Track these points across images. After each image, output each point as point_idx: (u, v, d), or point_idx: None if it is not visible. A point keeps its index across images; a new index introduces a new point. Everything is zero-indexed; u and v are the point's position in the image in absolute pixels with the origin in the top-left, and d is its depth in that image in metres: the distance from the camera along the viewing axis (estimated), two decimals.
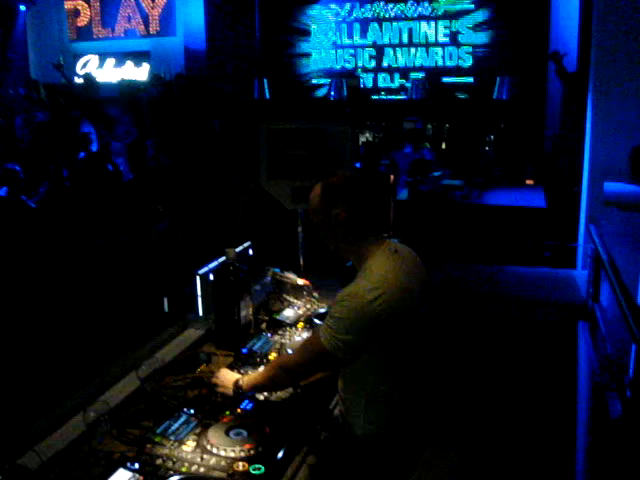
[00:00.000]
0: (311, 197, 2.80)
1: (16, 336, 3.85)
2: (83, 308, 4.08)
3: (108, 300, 4.07)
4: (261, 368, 3.08)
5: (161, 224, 5.75)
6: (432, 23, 13.71)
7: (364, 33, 14.28)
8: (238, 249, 3.93)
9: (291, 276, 3.98)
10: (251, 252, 4.14)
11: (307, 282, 3.95)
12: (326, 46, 14.48)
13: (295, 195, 4.15)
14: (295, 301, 3.90)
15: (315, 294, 3.93)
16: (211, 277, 3.63)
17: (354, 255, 2.76)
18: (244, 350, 3.30)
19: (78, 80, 14.70)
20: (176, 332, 3.66)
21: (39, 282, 4.66)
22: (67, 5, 15.74)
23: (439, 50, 13.71)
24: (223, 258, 3.62)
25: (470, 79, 13.45)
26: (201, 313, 3.72)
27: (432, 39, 13.77)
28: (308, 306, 3.85)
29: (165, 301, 3.75)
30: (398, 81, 14.12)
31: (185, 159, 9.51)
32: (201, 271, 3.65)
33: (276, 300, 3.96)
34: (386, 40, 14.12)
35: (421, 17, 13.77)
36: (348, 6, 14.22)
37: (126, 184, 8.32)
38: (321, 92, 14.47)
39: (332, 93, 13.55)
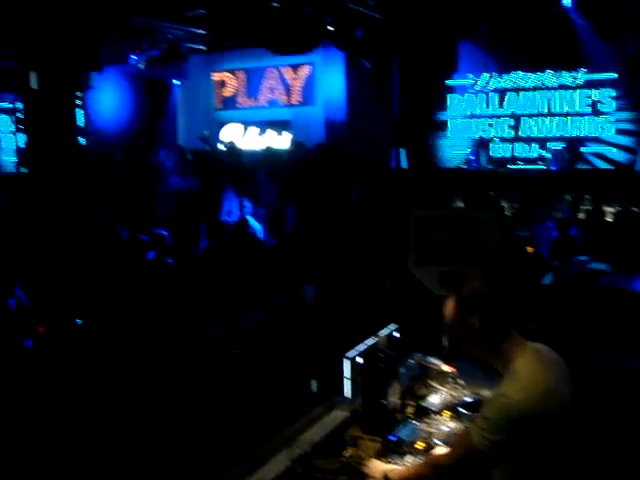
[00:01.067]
0: (446, 308, 2.87)
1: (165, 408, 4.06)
2: (233, 383, 4.26)
3: (259, 376, 4.23)
4: (408, 458, 3.13)
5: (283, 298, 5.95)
6: (572, 93, 13.58)
7: (502, 103, 14.31)
8: (384, 331, 4.03)
9: (437, 362, 4.02)
10: (397, 334, 4.21)
11: (453, 369, 3.98)
12: (463, 116, 14.59)
13: (442, 280, 4.21)
14: (440, 387, 3.94)
15: (460, 381, 3.95)
16: (359, 360, 3.72)
17: (496, 360, 2.79)
18: (392, 437, 3.35)
19: (221, 147, 15.40)
20: (323, 413, 3.76)
21: (185, 349, 4.90)
22: (215, 77, 16.64)
23: (579, 120, 13.54)
24: (371, 341, 3.71)
25: (612, 149, 13.18)
26: (348, 395, 3.80)
27: (572, 109, 13.62)
28: (453, 393, 3.88)
29: (314, 383, 3.86)
30: (536, 151, 14.00)
31: (324, 229, 9.73)
32: (350, 354, 3.74)
33: (421, 385, 4.00)
34: (524, 110, 14.09)
35: (561, 87, 13.68)
36: (486, 76, 14.31)
37: (268, 251, 8.59)
38: (457, 161, 14.54)
39: (470, 164, 13.61)
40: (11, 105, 15.86)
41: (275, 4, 9.90)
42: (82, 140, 9.33)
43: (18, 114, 15.60)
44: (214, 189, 11.47)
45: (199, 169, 12.72)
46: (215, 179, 12.02)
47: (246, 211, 10.91)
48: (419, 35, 13.00)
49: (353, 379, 3.77)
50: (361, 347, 3.85)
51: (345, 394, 3.79)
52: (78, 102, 8.83)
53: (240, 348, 4.54)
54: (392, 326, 4.21)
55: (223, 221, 10.78)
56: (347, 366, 3.77)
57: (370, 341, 3.85)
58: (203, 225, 9.88)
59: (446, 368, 4.00)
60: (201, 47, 14.57)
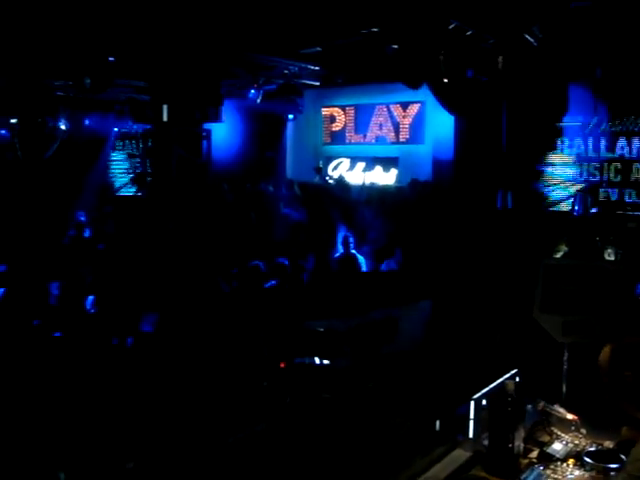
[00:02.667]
0: (600, 359, 2.94)
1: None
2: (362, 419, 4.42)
3: (382, 413, 4.38)
4: None
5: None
6: None
7: (611, 147, 14.10)
8: (508, 376, 4.12)
9: (561, 410, 4.08)
10: (517, 379, 4.29)
11: (575, 417, 4.03)
12: (571, 158, 14.45)
13: (565, 329, 4.29)
14: (562, 434, 3.99)
15: (582, 430, 4.00)
16: (484, 402, 3.83)
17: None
18: None
19: (329, 181, 15.73)
20: (445, 452, 3.87)
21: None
22: (325, 112, 17.00)
23: None
24: (496, 385, 3.81)
25: None
26: (471, 435, 3.90)
27: None
28: (576, 442, 3.92)
29: (438, 422, 3.98)
30: None
31: (432, 270, 9.83)
32: (476, 396, 3.86)
33: (542, 431, 4.06)
34: (634, 155, 13.85)
35: None
36: (596, 119, 14.15)
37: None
38: (564, 205, 14.39)
39: (576, 207, 13.47)
40: (128, 132, 16.68)
41: (393, 46, 10.09)
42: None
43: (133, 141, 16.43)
44: (323, 221, 11.75)
45: (307, 201, 13.05)
46: (324, 212, 12.30)
47: (350, 246, 11.13)
48: (531, 77, 13.01)
49: (477, 420, 3.88)
50: (486, 390, 3.96)
51: (469, 435, 3.89)
52: (204, 134, 9.26)
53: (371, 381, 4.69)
54: (513, 371, 4.30)
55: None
56: (472, 407, 3.88)
57: (495, 385, 3.95)
58: (311, 256, 10.18)
59: (570, 417, 4.05)
60: (315, 83, 14.98)
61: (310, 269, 10.03)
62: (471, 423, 3.88)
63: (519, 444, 3.66)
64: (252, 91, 13.39)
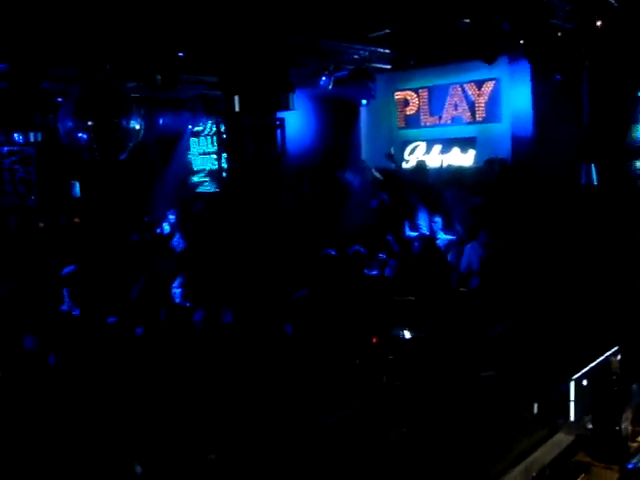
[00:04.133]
0: None
1: None
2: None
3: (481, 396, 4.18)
4: None
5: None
6: None
7: None
8: (610, 354, 3.86)
9: None
10: (619, 357, 4.02)
11: None
12: None
13: None
14: None
15: None
16: (585, 382, 3.59)
17: None
18: (630, 466, 3.19)
19: (406, 166, 15.47)
20: (546, 436, 3.65)
21: None
22: (397, 96, 16.71)
23: None
24: (599, 363, 3.56)
25: None
26: (572, 418, 3.66)
27: None
28: None
29: (535, 406, 3.75)
30: None
31: (516, 246, 9.54)
32: (576, 376, 3.61)
33: None
34: None
35: None
36: None
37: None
38: None
39: None
40: (201, 128, 16.74)
41: (465, 19, 9.76)
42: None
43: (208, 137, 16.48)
44: (403, 206, 11.55)
45: (387, 187, 12.86)
46: (403, 197, 12.10)
47: (436, 227, 10.91)
48: (612, 45, 12.47)
49: (578, 402, 3.64)
50: (587, 369, 3.71)
51: (570, 417, 3.65)
52: (277, 123, 9.15)
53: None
54: (614, 348, 4.03)
55: (409, 236, 10.88)
56: (572, 388, 3.63)
57: (596, 363, 3.70)
58: (390, 237, 10.00)
59: None
60: (386, 66, 14.72)
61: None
62: (572, 405, 3.64)
63: (626, 426, 3.41)
64: (323, 78, 13.21)
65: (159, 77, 8.97)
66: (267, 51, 8.80)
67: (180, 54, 9.17)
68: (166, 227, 13.36)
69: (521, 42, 10.51)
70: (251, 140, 8.23)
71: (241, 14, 9.24)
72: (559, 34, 11.26)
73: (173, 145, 16.92)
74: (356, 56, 13.57)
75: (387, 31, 12.61)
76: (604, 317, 5.38)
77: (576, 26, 11.67)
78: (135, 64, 9.42)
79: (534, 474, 3.11)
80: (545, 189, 12.86)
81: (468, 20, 9.95)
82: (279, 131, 9.40)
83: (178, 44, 9.06)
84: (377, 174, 14.34)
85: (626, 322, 4.85)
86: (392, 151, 14.68)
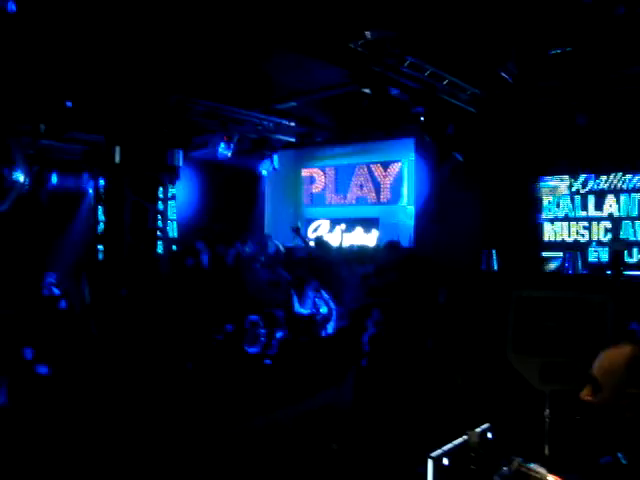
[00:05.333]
0: (611, 359, 2.27)
1: None
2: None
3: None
4: None
5: None
6: None
7: (599, 205, 13.61)
8: (476, 431, 3.43)
9: (540, 470, 3.36)
10: (490, 435, 3.59)
11: (559, 479, 3.32)
12: (558, 218, 13.95)
13: (544, 373, 3.61)
14: None
15: None
16: (445, 462, 3.14)
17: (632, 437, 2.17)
18: None
19: (310, 243, 15.19)
20: None
21: None
22: (304, 173, 16.57)
23: None
24: (460, 440, 3.13)
25: None
26: None
27: None
28: None
29: None
30: (637, 256, 13.16)
31: (407, 328, 9.25)
32: (435, 454, 3.16)
33: None
34: (623, 213, 13.35)
35: None
36: (582, 178, 13.71)
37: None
38: (551, 265, 13.81)
39: (566, 266, 12.90)
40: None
41: (366, 90, 9.64)
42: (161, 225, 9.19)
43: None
44: (300, 282, 11.23)
45: (286, 262, 12.55)
46: (302, 273, 11.78)
47: (319, 302, 10.60)
48: (513, 131, 12.63)
49: None
50: (448, 447, 3.26)
51: None
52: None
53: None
54: (485, 426, 3.61)
55: (298, 312, 10.54)
56: (430, 467, 3.17)
57: (459, 440, 3.25)
58: (280, 313, 9.64)
59: (551, 478, 3.33)
60: (291, 139, 14.54)
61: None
62: None
63: None
64: (222, 144, 12.88)
65: (43, 126, 8.48)
66: (157, 106, 8.42)
67: (67, 104, 8.69)
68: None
69: (422, 119, 10.44)
70: (130, 195, 7.79)
71: (141, 68, 8.90)
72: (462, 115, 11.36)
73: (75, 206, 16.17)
74: (260, 127, 13.35)
75: (292, 104, 12.46)
76: (479, 390, 5.03)
77: (479, 110, 11.81)
78: (19, 113, 8.91)
79: None
80: (445, 274, 12.74)
81: (369, 92, 9.79)
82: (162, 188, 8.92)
83: (64, 93, 8.59)
84: (280, 246, 14.00)
85: (500, 397, 4.49)
86: (299, 224, 14.38)
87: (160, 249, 9.73)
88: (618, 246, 12.59)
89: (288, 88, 11.57)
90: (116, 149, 7.99)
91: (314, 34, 8.55)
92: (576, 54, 9.45)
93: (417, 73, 9.75)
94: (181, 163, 9.56)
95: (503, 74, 8.40)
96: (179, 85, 9.63)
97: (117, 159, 8.01)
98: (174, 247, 15.87)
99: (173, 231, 17.65)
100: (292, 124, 13.39)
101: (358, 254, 13.56)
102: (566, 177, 13.84)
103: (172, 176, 9.53)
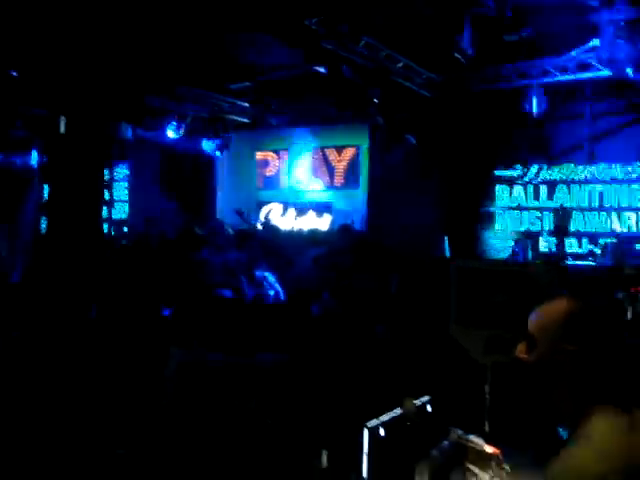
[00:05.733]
0: (547, 315, 2.20)
1: None
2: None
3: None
4: None
5: None
6: (625, 186, 12.95)
7: (551, 195, 13.71)
8: (415, 402, 3.35)
9: (478, 441, 3.31)
10: (430, 408, 3.53)
11: (497, 450, 3.27)
12: (511, 207, 14.02)
13: (488, 346, 3.55)
14: (480, 472, 3.22)
15: (506, 466, 3.23)
16: (382, 432, 3.05)
17: (570, 409, 2.10)
18: None
19: (260, 227, 15.05)
20: None
21: None
22: (258, 156, 16.39)
23: (633, 215, 12.85)
24: (399, 411, 3.05)
25: None
26: (365, 474, 3.10)
27: (625, 203, 12.96)
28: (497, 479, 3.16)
29: (324, 455, 3.17)
30: (587, 247, 13.28)
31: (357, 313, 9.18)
32: (371, 424, 3.07)
33: (457, 470, 3.28)
34: (574, 203, 13.46)
35: (613, 180, 13.07)
36: (535, 168, 13.79)
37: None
38: (503, 254, 13.89)
39: (515, 252, 12.98)
40: None
41: (321, 69, 9.52)
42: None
43: None
44: (249, 264, 11.11)
45: (238, 244, 12.39)
46: (251, 255, 11.64)
47: (266, 283, 10.51)
48: (467, 117, 12.64)
49: (372, 454, 3.09)
50: (385, 417, 3.18)
51: (362, 472, 3.10)
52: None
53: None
54: (424, 398, 3.54)
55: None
56: (366, 437, 3.08)
57: (397, 411, 3.17)
58: (228, 293, 9.53)
59: (490, 449, 3.28)
60: (245, 120, 14.34)
61: None
62: (364, 457, 3.09)
63: None
64: (174, 124, 12.65)
65: None
66: (107, 80, 8.20)
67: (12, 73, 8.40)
68: None
69: (375, 101, 10.36)
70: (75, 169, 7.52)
71: (92, 40, 8.64)
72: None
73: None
74: (216, 108, 13.16)
75: (247, 84, 12.31)
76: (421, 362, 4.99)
77: (433, 94, 11.78)
78: None
79: None
80: (397, 259, 12.70)
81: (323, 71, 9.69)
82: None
83: (9, 63, 8.31)
84: (230, 230, 13.82)
85: (440, 372, 4.43)
86: (242, 208, 14.21)
87: (105, 228, 9.49)
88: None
89: (243, 67, 11.41)
90: (61, 120, 7.73)
91: (269, 11, 8.42)
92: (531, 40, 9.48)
93: (372, 54, 9.67)
94: (130, 135, 9.31)
95: (457, 55, 8.35)
96: (131, 60, 9.39)
97: (62, 129, 7.75)
98: (125, 229, 15.71)
99: (125, 213, 17.47)
100: (246, 104, 13.22)
101: (309, 238, 13.46)
102: (519, 166, 13.92)
103: (121, 151, 9.30)
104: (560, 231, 12.70)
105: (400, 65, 10.36)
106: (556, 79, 11.15)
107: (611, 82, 11.02)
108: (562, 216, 12.96)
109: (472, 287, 3.62)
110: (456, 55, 8.37)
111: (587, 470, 1.86)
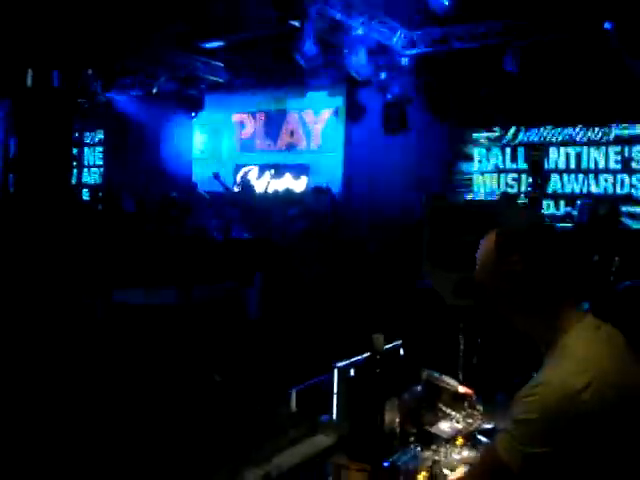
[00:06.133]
0: (481, 249, 2.16)
1: None
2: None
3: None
4: None
5: None
6: (602, 149, 12.90)
7: (529, 158, 13.65)
8: (387, 347, 3.28)
9: (450, 382, 3.25)
10: (402, 352, 3.46)
11: (470, 391, 3.21)
12: (489, 169, 13.94)
13: (459, 288, 3.47)
14: (453, 413, 3.16)
15: (479, 406, 3.18)
16: (352, 372, 2.98)
17: (541, 330, 2.04)
18: (385, 463, 2.58)
19: (237, 189, 14.91)
20: (302, 436, 2.98)
21: None
22: (234, 118, 16.18)
23: (609, 177, 12.83)
24: (369, 353, 2.98)
25: None
26: (335, 416, 3.03)
27: (602, 165, 12.93)
28: (470, 420, 3.10)
29: (293, 395, 3.08)
30: (564, 209, 13.27)
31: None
32: (341, 364, 2.99)
33: (429, 410, 3.22)
34: (552, 165, 13.41)
35: (590, 142, 13.02)
36: (513, 130, 13.71)
37: None
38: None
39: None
40: None
41: (295, 23, 9.33)
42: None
43: None
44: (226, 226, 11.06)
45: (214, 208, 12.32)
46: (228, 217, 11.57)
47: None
48: (445, 79, 12.52)
49: (342, 395, 3.01)
50: (356, 359, 3.11)
51: (332, 414, 3.03)
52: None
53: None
54: (397, 342, 3.47)
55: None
56: (336, 378, 3.01)
57: (368, 353, 3.10)
58: None
59: (462, 389, 3.22)
60: (220, 80, 14.11)
61: None
62: (334, 398, 3.02)
63: (392, 422, 2.82)
64: (150, 82, 12.41)
65: None
66: (77, 33, 7.99)
67: None
68: None
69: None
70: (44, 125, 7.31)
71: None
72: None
73: None
74: (190, 67, 12.94)
75: (221, 43, 12.11)
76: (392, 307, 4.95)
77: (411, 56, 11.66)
78: None
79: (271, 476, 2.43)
80: (375, 222, 12.67)
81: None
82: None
83: None
84: (205, 194, 13.69)
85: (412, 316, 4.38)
86: (217, 171, 14.05)
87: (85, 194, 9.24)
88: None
89: (217, 25, 11.21)
90: (28, 72, 7.52)
91: None
92: None
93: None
94: (99, 90, 9.11)
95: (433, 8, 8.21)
96: (100, 12, 9.16)
97: (29, 82, 7.54)
98: (100, 194, 15.49)
99: (100, 177, 17.26)
100: (220, 64, 13.00)
101: (284, 198, 13.37)
102: (497, 128, 13.83)
103: (96, 118, 9.08)
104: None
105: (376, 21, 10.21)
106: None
107: None
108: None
109: (444, 226, 3.54)
110: (431, 8, 8.23)
111: (567, 382, 1.79)
